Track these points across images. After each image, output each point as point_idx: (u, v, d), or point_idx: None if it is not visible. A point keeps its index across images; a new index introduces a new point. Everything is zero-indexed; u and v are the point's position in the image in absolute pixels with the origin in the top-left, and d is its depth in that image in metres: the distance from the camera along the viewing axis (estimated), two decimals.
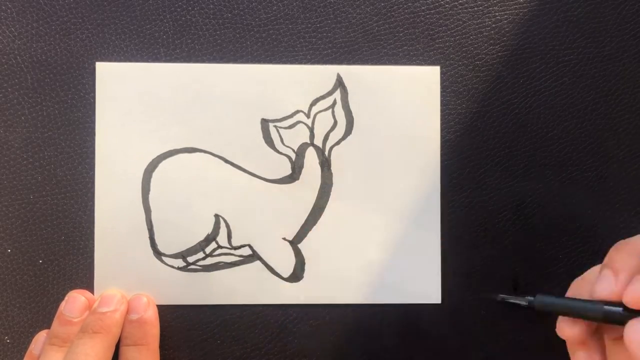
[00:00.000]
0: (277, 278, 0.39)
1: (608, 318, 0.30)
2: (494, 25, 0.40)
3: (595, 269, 0.33)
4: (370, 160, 0.39)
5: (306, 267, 0.39)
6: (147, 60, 0.39)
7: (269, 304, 0.39)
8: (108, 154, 0.39)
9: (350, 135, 0.39)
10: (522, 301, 0.35)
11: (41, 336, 0.38)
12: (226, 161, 0.39)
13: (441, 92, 0.40)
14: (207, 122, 0.39)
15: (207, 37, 0.39)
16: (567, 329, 0.32)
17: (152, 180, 0.39)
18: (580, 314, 0.31)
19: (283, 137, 0.39)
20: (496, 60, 0.40)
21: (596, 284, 0.31)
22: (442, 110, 0.40)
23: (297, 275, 0.39)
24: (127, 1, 0.39)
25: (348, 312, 0.39)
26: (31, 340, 0.38)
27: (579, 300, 0.32)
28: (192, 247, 0.39)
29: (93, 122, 0.39)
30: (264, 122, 0.39)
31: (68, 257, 0.39)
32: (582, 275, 0.34)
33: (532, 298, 0.35)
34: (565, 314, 0.32)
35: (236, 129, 0.39)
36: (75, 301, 0.38)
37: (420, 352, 0.39)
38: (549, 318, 0.35)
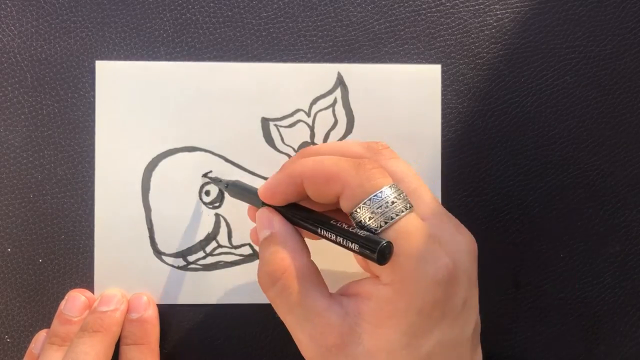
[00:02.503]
0: None
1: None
2: (495, 24, 0.40)
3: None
4: None
5: None
6: (147, 59, 0.39)
7: (269, 304, 0.39)
8: (108, 153, 0.39)
9: (351, 134, 0.39)
10: (222, 185, 0.38)
11: (41, 335, 0.38)
12: (226, 160, 0.39)
13: (442, 90, 0.39)
14: (207, 120, 0.39)
15: (207, 36, 0.39)
16: (249, 210, 0.36)
17: (152, 179, 0.39)
18: (251, 201, 0.35)
19: (283, 135, 0.39)
20: (497, 59, 0.40)
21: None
22: (443, 109, 0.39)
23: None
24: (126, 0, 0.39)
25: None
26: (31, 340, 0.38)
27: (252, 189, 0.35)
28: (192, 246, 0.39)
29: (93, 120, 0.39)
30: (265, 121, 0.39)
31: (68, 256, 0.39)
32: None
33: (230, 181, 0.37)
34: (244, 200, 0.36)
35: (236, 128, 0.39)
36: (75, 300, 0.38)
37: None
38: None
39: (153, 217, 0.39)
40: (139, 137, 0.39)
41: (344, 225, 0.30)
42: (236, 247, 0.39)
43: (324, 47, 0.39)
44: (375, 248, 0.28)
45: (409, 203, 0.30)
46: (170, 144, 0.39)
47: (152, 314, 0.38)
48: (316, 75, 0.39)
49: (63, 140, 0.39)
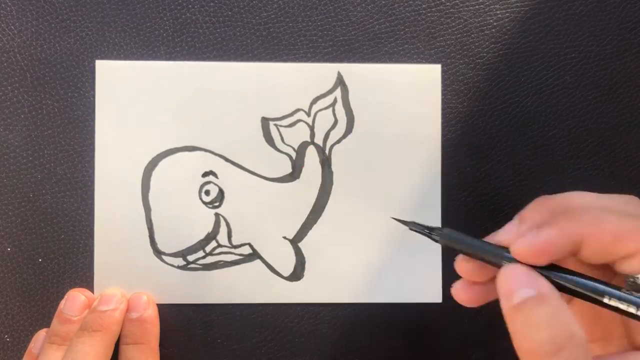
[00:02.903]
0: (277, 277, 0.39)
1: (496, 262, 0.29)
2: (495, 24, 0.40)
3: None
4: (371, 159, 0.39)
5: (306, 266, 0.39)
6: (147, 59, 0.39)
7: (269, 303, 0.39)
8: (108, 153, 0.39)
9: (351, 134, 0.39)
10: (432, 233, 0.31)
11: (41, 335, 0.38)
12: (226, 160, 0.39)
13: (442, 90, 0.39)
14: (207, 120, 0.39)
15: (207, 35, 0.39)
16: (462, 263, 0.31)
17: (152, 178, 0.39)
18: (477, 254, 0.30)
19: (283, 135, 0.39)
20: (497, 58, 0.40)
21: (504, 229, 0.30)
22: (443, 109, 0.39)
23: (297, 274, 0.39)
24: None
25: (348, 312, 0.39)
26: (31, 339, 0.38)
27: (482, 242, 0.30)
28: (192, 245, 0.39)
29: (93, 120, 0.39)
30: (264, 121, 0.39)
31: (68, 255, 0.39)
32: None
33: (443, 229, 0.31)
34: (465, 252, 0.30)
35: (236, 128, 0.39)
36: (74, 300, 0.38)
37: (421, 351, 0.39)
38: None
39: (153, 216, 0.39)
40: (139, 137, 0.39)
41: (621, 291, 0.27)
42: (236, 247, 0.39)
43: (324, 47, 0.39)
44: None
45: None
46: (170, 143, 0.39)
47: (152, 314, 0.38)
48: (316, 75, 0.39)
49: (63, 140, 0.39)
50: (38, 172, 0.39)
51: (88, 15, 0.39)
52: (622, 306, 0.27)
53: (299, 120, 0.39)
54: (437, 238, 0.31)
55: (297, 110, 0.39)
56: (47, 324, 0.38)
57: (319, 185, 0.39)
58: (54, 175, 0.39)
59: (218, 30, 0.39)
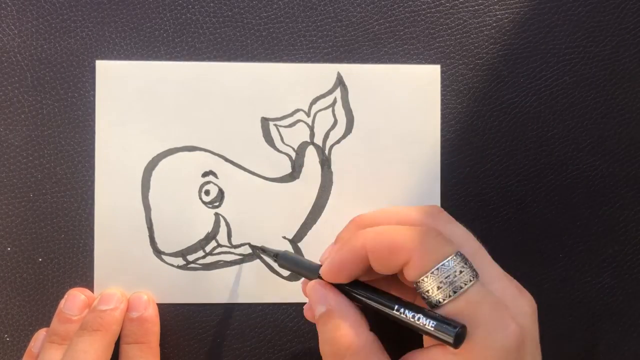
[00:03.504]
0: (277, 277, 0.39)
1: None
2: (494, 24, 0.40)
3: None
4: (371, 159, 0.39)
5: None
6: (147, 59, 0.39)
7: (268, 303, 0.39)
8: (108, 152, 0.39)
9: (351, 134, 0.39)
10: (270, 255, 0.36)
11: (40, 334, 0.38)
12: (226, 160, 0.39)
13: (441, 91, 0.40)
14: (207, 120, 0.39)
15: (207, 35, 0.39)
16: (303, 284, 0.35)
17: (152, 178, 0.39)
18: (303, 274, 0.34)
19: (283, 135, 0.39)
20: (497, 59, 0.40)
21: (325, 251, 0.34)
22: (442, 109, 0.40)
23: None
24: None
25: None
26: (31, 338, 0.38)
27: (308, 264, 0.34)
28: (192, 245, 0.39)
29: (93, 120, 0.39)
30: (264, 121, 0.39)
31: (68, 255, 0.39)
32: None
33: (279, 252, 0.36)
34: (296, 272, 0.35)
35: (236, 128, 0.39)
36: (74, 299, 0.38)
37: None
38: None
39: (153, 216, 0.39)
40: (139, 137, 0.39)
41: (410, 306, 0.30)
42: (236, 247, 0.39)
43: (324, 47, 0.39)
44: (451, 333, 0.28)
45: (475, 271, 0.30)
46: (170, 143, 0.39)
47: (152, 313, 0.38)
48: (316, 75, 0.39)
49: (63, 140, 0.39)
50: (38, 172, 0.39)
51: (88, 15, 0.39)
52: (401, 317, 0.30)
53: (298, 121, 0.39)
54: (276, 260, 0.36)
55: (297, 110, 0.39)
56: (47, 324, 0.38)
57: (318, 185, 0.39)
58: (54, 175, 0.39)
59: (218, 30, 0.39)
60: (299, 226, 0.39)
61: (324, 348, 0.31)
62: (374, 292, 0.32)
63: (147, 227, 0.39)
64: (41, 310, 0.39)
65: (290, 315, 0.39)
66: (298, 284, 0.39)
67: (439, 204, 0.39)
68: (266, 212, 0.39)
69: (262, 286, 0.39)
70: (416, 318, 0.29)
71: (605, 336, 0.40)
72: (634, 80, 0.40)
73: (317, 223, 0.39)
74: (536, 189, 0.40)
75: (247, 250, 0.39)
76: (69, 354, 0.35)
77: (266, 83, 0.39)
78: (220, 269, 0.39)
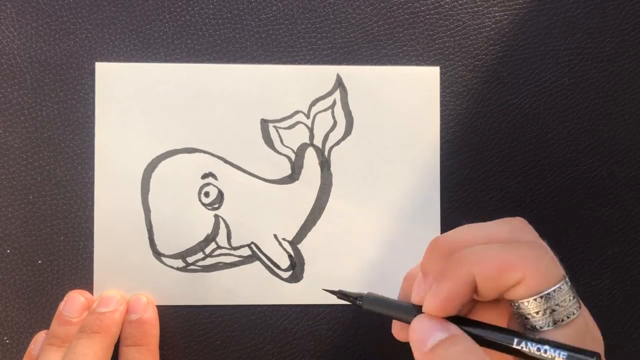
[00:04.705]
0: (276, 278, 0.39)
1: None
2: (493, 26, 0.40)
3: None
4: (370, 161, 0.39)
5: (306, 267, 0.39)
6: (146, 61, 0.39)
7: (268, 305, 0.39)
8: (107, 154, 0.39)
9: (350, 136, 0.39)
10: (353, 300, 0.31)
11: (40, 336, 0.38)
12: (226, 161, 0.39)
13: (441, 92, 0.40)
14: (207, 122, 0.39)
15: (206, 37, 0.39)
16: (397, 331, 0.32)
17: (152, 180, 0.39)
18: (400, 318, 0.30)
19: (283, 137, 0.39)
20: (496, 60, 0.40)
21: (414, 288, 0.30)
22: (441, 111, 0.40)
23: (296, 275, 0.39)
24: (126, 1, 0.39)
25: (348, 313, 0.39)
26: (30, 341, 0.38)
27: (399, 303, 0.30)
28: (191, 247, 0.39)
29: (92, 122, 0.39)
30: (264, 123, 0.39)
31: (67, 257, 0.39)
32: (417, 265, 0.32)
33: (363, 294, 0.31)
34: (386, 315, 0.31)
35: (236, 129, 0.39)
36: (74, 301, 0.38)
37: None
38: None
39: (152, 218, 0.39)
40: (139, 139, 0.39)
41: (526, 336, 0.27)
42: (235, 249, 0.39)
43: (323, 49, 0.40)
44: None
45: (580, 302, 0.28)
46: (170, 145, 0.39)
47: (152, 315, 0.38)
48: (315, 77, 0.39)
49: (63, 142, 0.39)
50: (38, 174, 0.39)
51: (88, 17, 0.39)
52: (532, 351, 0.27)
53: (298, 122, 0.39)
54: (361, 304, 0.31)
55: (297, 112, 0.39)
56: (47, 326, 0.38)
57: (318, 187, 0.39)
58: (53, 177, 0.39)
59: (217, 32, 0.39)
60: (299, 228, 0.39)
61: None
62: (485, 325, 0.28)
63: (147, 229, 0.39)
64: (41, 313, 0.39)
65: (289, 317, 0.39)
66: (298, 285, 0.39)
67: (438, 205, 0.39)
68: (266, 214, 0.39)
69: (262, 288, 0.39)
70: (542, 350, 0.27)
71: (605, 336, 0.40)
72: (634, 81, 0.40)
73: (316, 224, 0.39)
74: (535, 191, 0.40)
75: (246, 252, 0.39)
76: (69, 356, 0.35)
77: (266, 85, 0.39)
78: (219, 270, 0.39)
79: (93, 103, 0.39)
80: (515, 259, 0.27)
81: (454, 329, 0.28)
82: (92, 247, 0.39)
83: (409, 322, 0.29)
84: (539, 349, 0.27)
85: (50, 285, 0.39)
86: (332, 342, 0.39)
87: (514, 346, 0.27)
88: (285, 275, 0.39)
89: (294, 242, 0.39)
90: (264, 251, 0.39)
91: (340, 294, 0.31)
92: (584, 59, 0.40)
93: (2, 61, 0.39)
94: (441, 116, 0.40)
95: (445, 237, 0.30)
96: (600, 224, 0.40)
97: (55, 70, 0.39)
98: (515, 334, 0.27)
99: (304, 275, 0.39)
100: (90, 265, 0.39)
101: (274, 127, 0.39)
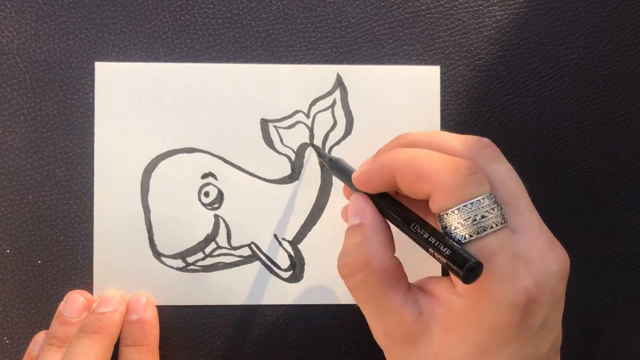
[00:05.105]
0: (276, 278, 0.39)
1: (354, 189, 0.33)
2: (494, 25, 0.40)
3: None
4: None
5: (306, 267, 0.39)
6: (146, 60, 0.39)
7: (268, 305, 0.39)
8: (107, 154, 0.39)
9: (350, 135, 0.39)
10: (325, 158, 0.37)
11: (40, 336, 0.38)
12: (225, 161, 0.39)
13: (441, 91, 0.40)
14: (207, 122, 0.39)
15: (206, 37, 0.39)
16: (344, 190, 0.35)
17: (152, 180, 0.39)
18: (349, 184, 0.33)
19: (283, 137, 0.39)
20: (496, 60, 0.40)
21: (362, 163, 0.33)
22: (442, 110, 0.40)
23: (296, 275, 0.39)
24: (126, 1, 0.39)
25: (348, 313, 0.39)
26: (30, 341, 0.38)
27: (346, 169, 0.34)
28: (191, 247, 0.39)
29: (92, 122, 0.39)
30: (264, 122, 0.39)
31: (67, 257, 0.39)
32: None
33: (333, 157, 0.36)
34: (342, 180, 0.35)
35: (236, 129, 0.39)
36: (74, 301, 0.38)
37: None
38: None
39: (152, 218, 0.39)
40: (138, 138, 0.39)
41: (433, 230, 0.29)
42: (235, 249, 0.39)
43: (323, 49, 0.39)
44: (462, 265, 0.27)
45: (503, 218, 0.28)
46: (170, 145, 0.39)
47: (152, 315, 0.38)
48: (315, 77, 0.39)
49: (62, 142, 0.39)
50: (37, 174, 0.39)
51: (87, 17, 0.39)
52: (420, 239, 0.29)
53: (298, 122, 0.39)
54: (327, 164, 0.36)
55: (297, 111, 0.39)
56: (47, 326, 0.38)
57: (318, 187, 0.39)
58: (53, 177, 0.39)
59: (217, 32, 0.39)
60: (299, 227, 0.39)
61: (343, 258, 0.31)
62: (401, 207, 0.31)
63: (147, 229, 0.39)
64: (40, 313, 0.39)
65: (289, 317, 0.39)
66: (298, 285, 0.39)
67: None
68: (266, 214, 0.39)
69: (262, 288, 0.39)
70: (432, 240, 0.28)
71: (605, 336, 0.40)
72: (634, 80, 0.40)
73: (317, 224, 0.39)
74: (535, 190, 0.40)
75: (247, 252, 0.39)
76: (68, 356, 0.35)
77: (265, 84, 0.39)
78: (219, 270, 0.39)
79: (92, 103, 0.39)
80: (430, 170, 0.28)
81: (368, 215, 0.31)
82: (92, 247, 0.39)
83: (353, 189, 0.33)
84: (428, 237, 0.28)
85: (50, 286, 0.39)
86: (332, 342, 0.39)
87: (410, 228, 0.29)
88: (285, 275, 0.39)
89: (294, 242, 0.39)
90: (264, 251, 0.39)
91: (317, 151, 0.38)
92: (585, 58, 0.40)
93: (1, 61, 0.39)
94: (441, 115, 0.40)
95: (412, 133, 0.33)
96: (600, 224, 0.40)
97: (54, 70, 0.39)
98: (419, 221, 0.29)
99: (304, 275, 0.39)
100: (90, 265, 0.39)
101: (274, 126, 0.39)
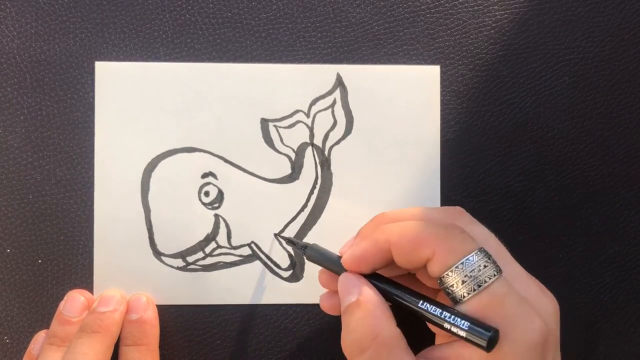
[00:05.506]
0: (276, 278, 0.39)
1: (338, 271, 0.33)
2: (494, 25, 0.40)
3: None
4: (370, 160, 0.39)
5: (306, 267, 0.39)
6: (146, 60, 0.39)
7: (268, 304, 0.39)
8: (107, 154, 0.39)
9: (350, 135, 0.39)
10: (299, 247, 0.36)
11: (40, 336, 0.38)
12: (226, 161, 0.39)
13: (441, 91, 0.40)
14: (207, 121, 0.39)
15: (206, 37, 0.39)
16: (321, 275, 0.35)
17: (152, 179, 0.39)
18: (327, 266, 0.34)
19: (283, 136, 0.39)
20: (496, 59, 0.40)
21: (344, 244, 0.35)
22: (442, 110, 0.40)
23: (296, 275, 0.39)
24: (126, 1, 0.39)
25: None
26: (30, 340, 0.38)
27: (334, 256, 0.34)
28: (191, 247, 0.39)
29: (92, 121, 0.39)
30: (264, 122, 0.39)
31: (67, 256, 0.39)
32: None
33: (308, 244, 0.36)
34: (322, 265, 0.35)
35: (236, 129, 0.39)
36: (74, 301, 0.38)
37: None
38: None
39: (152, 217, 0.39)
40: (139, 138, 0.39)
41: (442, 305, 0.30)
42: (235, 248, 0.39)
43: (323, 48, 0.39)
44: (484, 337, 0.28)
45: (499, 267, 0.30)
46: (170, 144, 0.39)
47: (152, 315, 0.38)
48: (315, 76, 0.39)
49: (62, 141, 0.39)
50: (38, 174, 0.39)
51: (87, 16, 0.39)
52: (433, 316, 0.30)
53: (298, 122, 0.39)
54: (303, 252, 0.36)
55: (297, 111, 0.39)
56: (47, 325, 0.38)
57: (318, 186, 0.39)
58: (53, 177, 0.39)
59: (217, 31, 0.39)
60: (299, 227, 0.39)
61: (347, 337, 0.31)
62: (400, 286, 0.32)
63: (147, 229, 0.39)
64: (41, 312, 0.39)
65: (289, 317, 0.39)
66: (298, 285, 0.39)
67: (439, 204, 0.39)
68: (266, 213, 0.39)
69: (262, 288, 0.39)
70: (446, 316, 0.29)
71: (605, 336, 0.40)
72: (634, 80, 0.40)
73: (317, 224, 0.39)
74: (535, 190, 0.40)
75: (246, 251, 0.39)
76: (69, 356, 0.35)
77: (265, 84, 0.39)
78: (220, 270, 0.39)
79: (93, 102, 0.39)
80: (426, 236, 0.30)
81: (365, 291, 0.31)
82: (92, 246, 0.39)
83: (336, 272, 0.34)
84: (441, 314, 0.30)
85: (50, 285, 0.39)
86: (333, 342, 0.39)
87: (419, 307, 0.30)
88: (285, 274, 0.39)
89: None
90: (264, 250, 0.39)
91: (289, 240, 0.38)
92: (585, 58, 0.40)
93: (1, 60, 0.39)
94: (441, 115, 0.40)
95: (389, 212, 0.35)
96: (600, 223, 0.40)
97: (55, 70, 0.39)
98: (422, 297, 0.31)
99: (304, 275, 0.39)
100: (91, 265, 0.39)
101: (274, 126, 0.39)
